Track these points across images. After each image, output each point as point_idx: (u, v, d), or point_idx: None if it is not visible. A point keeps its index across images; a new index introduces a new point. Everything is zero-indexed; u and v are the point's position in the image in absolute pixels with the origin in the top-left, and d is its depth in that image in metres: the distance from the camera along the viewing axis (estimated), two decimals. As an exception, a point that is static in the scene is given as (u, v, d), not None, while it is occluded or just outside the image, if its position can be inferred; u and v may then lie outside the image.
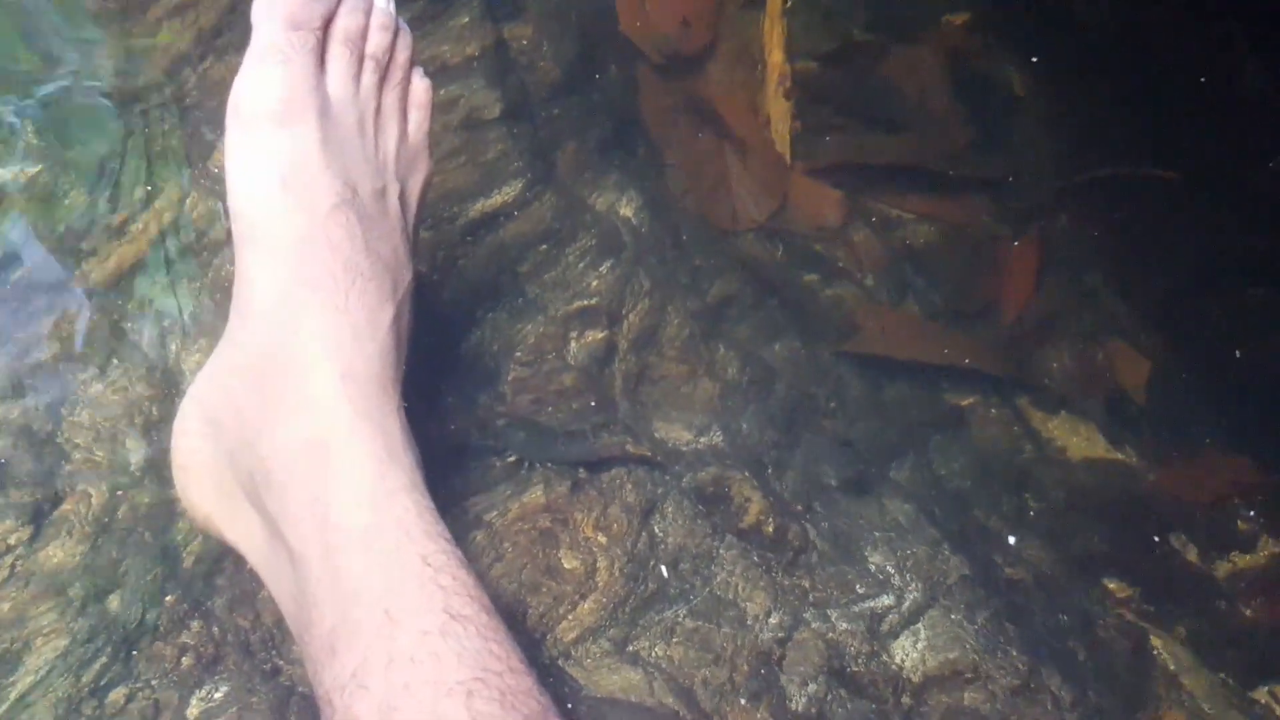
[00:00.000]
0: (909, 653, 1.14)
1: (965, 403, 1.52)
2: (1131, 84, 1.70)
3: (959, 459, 1.45)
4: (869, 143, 1.69)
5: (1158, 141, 1.68)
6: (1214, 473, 1.56)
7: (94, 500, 1.00)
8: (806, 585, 1.16)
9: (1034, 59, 1.76)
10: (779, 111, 1.65)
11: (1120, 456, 1.55)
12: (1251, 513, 1.52)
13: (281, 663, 0.98)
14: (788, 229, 1.58)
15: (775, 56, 1.67)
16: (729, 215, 1.56)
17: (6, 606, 0.93)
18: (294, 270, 0.87)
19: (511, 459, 1.09)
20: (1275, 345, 1.59)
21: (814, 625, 1.13)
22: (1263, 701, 1.34)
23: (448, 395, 1.16)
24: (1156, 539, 1.49)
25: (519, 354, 1.21)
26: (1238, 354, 1.59)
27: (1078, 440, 1.55)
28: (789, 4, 1.70)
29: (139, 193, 1.16)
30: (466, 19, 1.35)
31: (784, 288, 1.50)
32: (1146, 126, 1.68)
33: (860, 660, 1.13)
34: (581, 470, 1.13)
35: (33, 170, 1.14)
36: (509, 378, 1.20)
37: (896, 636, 1.15)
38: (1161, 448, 1.56)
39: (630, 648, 1.06)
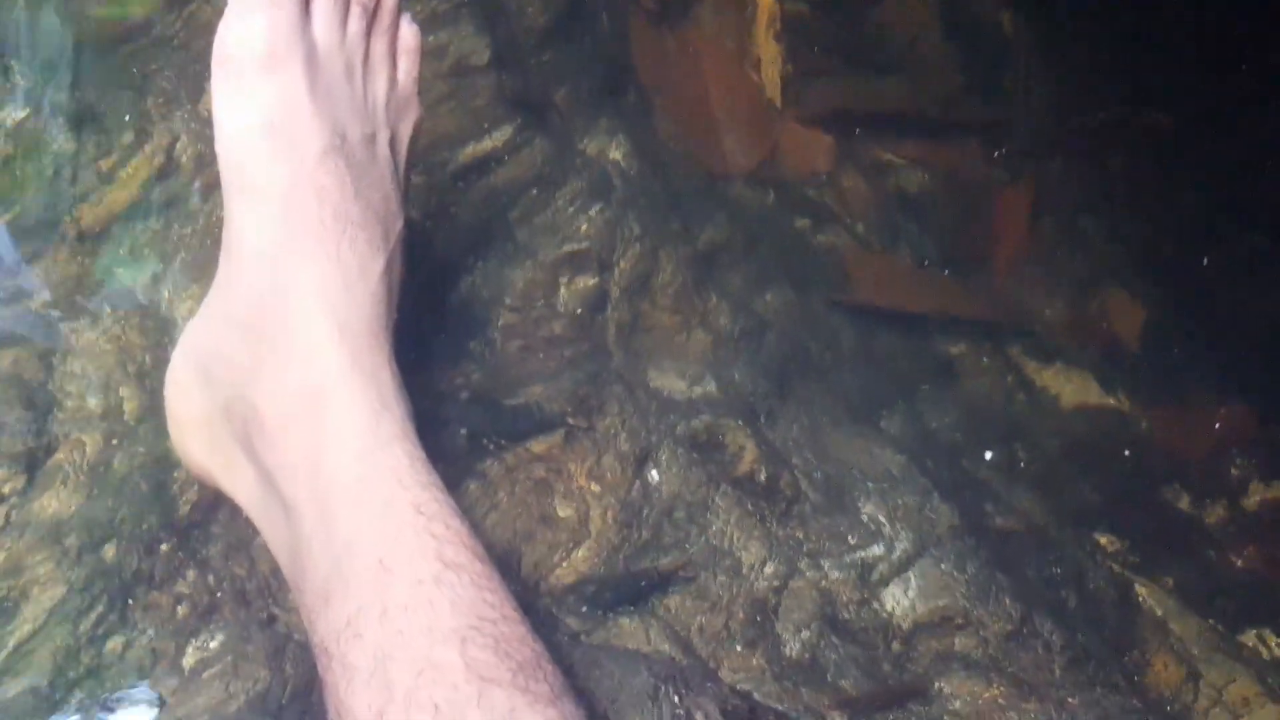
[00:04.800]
0: (900, 600, 1.15)
1: (957, 352, 1.53)
2: (1126, 28, 1.70)
3: (951, 409, 1.45)
4: (860, 86, 1.68)
5: (1152, 87, 1.67)
6: (1207, 420, 1.56)
7: (88, 449, 0.99)
8: (800, 535, 1.16)
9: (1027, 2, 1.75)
10: (769, 55, 1.64)
11: (1113, 405, 1.55)
12: (1244, 460, 1.53)
13: (277, 611, 0.98)
14: (778, 175, 1.58)
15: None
16: (719, 161, 1.55)
17: (2, 556, 0.93)
18: (283, 218, 0.87)
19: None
20: (1270, 292, 1.59)
21: (808, 574, 1.14)
22: (1251, 645, 1.35)
23: (437, 344, 1.16)
24: (1149, 488, 1.49)
25: (508, 300, 1.21)
26: (1232, 301, 1.59)
27: (1071, 389, 1.56)
28: (779, -53, 1.69)
29: (127, 137, 1.15)
30: (455, -36, 1.34)
31: (775, 234, 1.50)
32: (1141, 71, 1.68)
33: (852, 608, 1.13)
34: (570, 423, 1.13)
35: (20, 115, 1.13)
36: (499, 324, 1.20)
37: (887, 585, 1.16)
38: (1155, 396, 1.57)
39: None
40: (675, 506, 1.12)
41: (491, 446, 1.10)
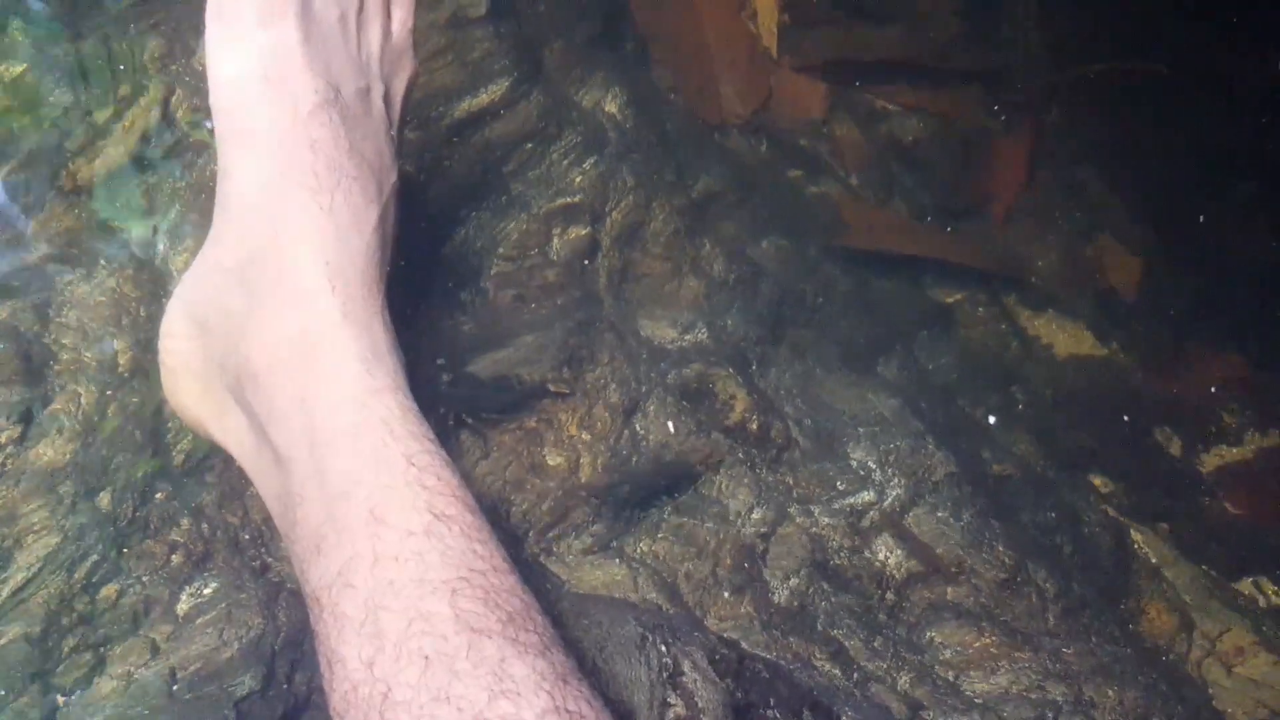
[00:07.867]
0: (893, 548, 1.16)
1: (952, 300, 1.53)
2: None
3: (945, 356, 1.46)
4: (857, 36, 1.68)
5: (1148, 36, 1.66)
6: (1201, 369, 1.56)
7: (83, 400, 1.00)
8: (790, 481, 1.17)
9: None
10: (765, 5, 1.63)
11: (1108, 353, 1.56)
12: (1237, 407, 1.53)
13: (270, 559, 0.99)
14: (773, 124, 1.57)
15: (763, -52, 1.66)
16: (715, 110, 1.55)
17: (-3, 505, 0.94)
18: (277, 170, 0.87)
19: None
20: (1264, 241, 1.59)
21: (798, 520, 1.14)
22: (1246, 593, 1.35)
23: (431, 296, 1.16)
24: (1143, 435, 1.49)
25: (502, 250, 1.22)
26: (1226, 250, 1.59)
27: (1065, 337, 1.56)
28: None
29: (123, 90, 1.15)
30: (450, -85, 1.33)
31: (769, 184, 1.49)
32: (1137, 20, 1.67)
33: (843, 555, 1.14)
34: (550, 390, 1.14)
35: (18, 69, 1.13)
36: (492, 274, 1.20)
37: (880, 532, 1.16)
38: (1149, 344, 1.57)
39: (614, 543, 1.08)
40: (664, 455, 1.13)
41: (471, 421, 1.10)
